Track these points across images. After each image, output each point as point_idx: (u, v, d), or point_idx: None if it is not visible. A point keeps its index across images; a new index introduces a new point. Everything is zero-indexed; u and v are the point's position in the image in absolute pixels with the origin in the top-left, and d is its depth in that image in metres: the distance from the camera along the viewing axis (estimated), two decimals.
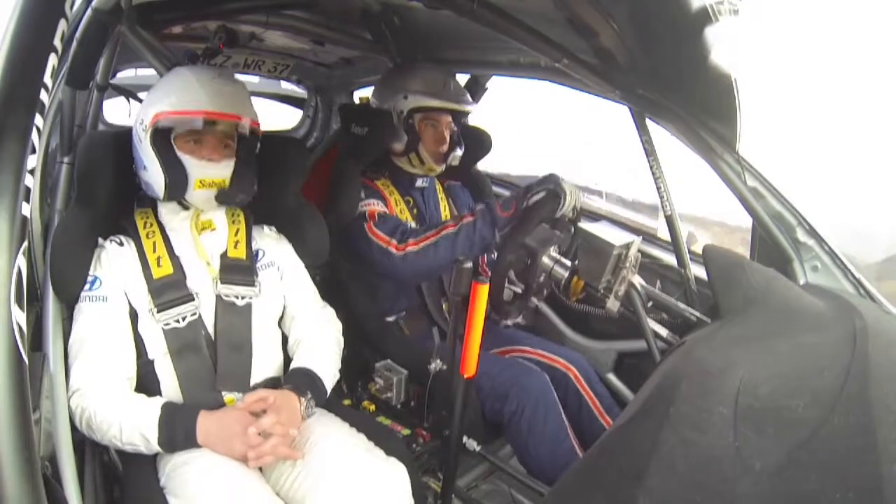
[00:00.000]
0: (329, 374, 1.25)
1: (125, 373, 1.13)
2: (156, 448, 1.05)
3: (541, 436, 1.44)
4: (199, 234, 1.23)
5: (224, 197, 1.21)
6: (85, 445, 1.09)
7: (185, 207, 1.22)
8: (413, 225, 1.70)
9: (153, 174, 1.16)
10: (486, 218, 1.44)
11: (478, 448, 1.42)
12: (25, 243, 0.53)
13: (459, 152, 1.75)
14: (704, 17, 0.98)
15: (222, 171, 1.20)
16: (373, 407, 1.59)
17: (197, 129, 1.16)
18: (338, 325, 1.38)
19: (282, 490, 1.08)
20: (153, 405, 1.07)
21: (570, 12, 1.10)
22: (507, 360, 1.59)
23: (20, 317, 0.51)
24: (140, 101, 1.50)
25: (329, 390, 1.25)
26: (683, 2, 0.96)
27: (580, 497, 0.74)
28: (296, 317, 1.32)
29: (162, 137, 1.16)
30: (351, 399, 1.66)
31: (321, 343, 1.30)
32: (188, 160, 1.17)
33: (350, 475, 1.05)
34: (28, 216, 0.54)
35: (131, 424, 1.04)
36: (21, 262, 0.52)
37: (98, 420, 1.04)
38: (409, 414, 1.56)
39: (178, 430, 1.05)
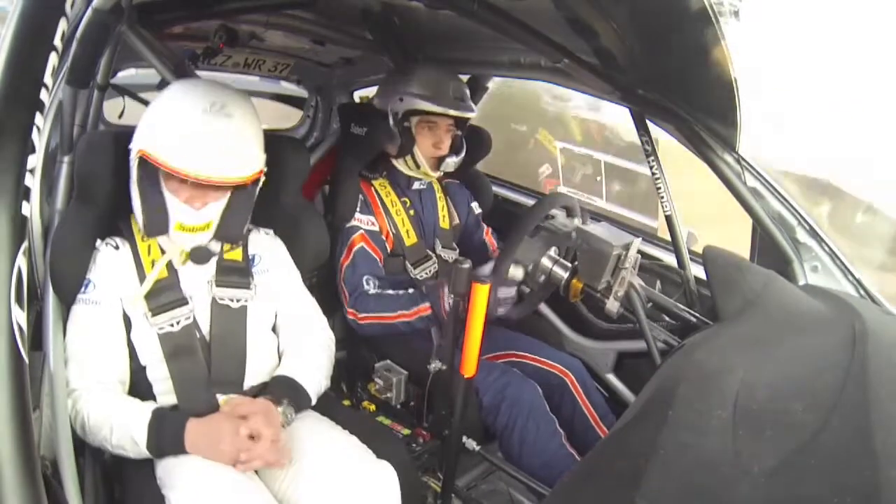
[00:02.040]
0: (313, 381, 1.23)
1: (118, 377, 1.12)
2: (144, 452, 1.04)
3: (533, 447, 1.44)
4: (184, 264, 1.19)
5: (197, 258, 1.16)
6: (85, 445, 1.09)
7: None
8: (407, 230, 1.70)
9: (136, 207, 1.13)
10: (423, 320, 1.50)
11: (477, 448, 1.42)
12: (25, 243, 0.53)
13: (455, 160, 1.73)
14: (704, 17, 0.98)
15: (205, 216, 1.12)
16: (373, 407, 1.60)
17: None
18: (329, 334, 1.36)
19: (274, 493, 1.08)
20: (144, 409, 1.06)
21: (570, 12, 1.10)
22: (501, 367, 1.58)
23: (20, 316, 0.51)
24: (140, 100, 1.50)
25: (314, 397, 1.23)
26: (683, 2, 0.96)
27: (578, 499, 0.74)
28: (286, 322, 1.31)
29: (148, 170, 1.10)
30: (351, 399, 1.67)
31: (308, 351, 1.28)
32: (171, 199, 1.10)
33: (338, 478, 1.05)
34: (28, 216, 0.54)
35: (121, 427, 1.04)
36: (21, 261, 0.52)
37: (91, 422, 1.04)
38: (409, 414, 1.56)
39: (166, 436, 1.04)
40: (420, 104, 1.64)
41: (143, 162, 1.09)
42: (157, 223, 1.12)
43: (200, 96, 1.10)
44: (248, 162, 1.12)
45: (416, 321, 1.52)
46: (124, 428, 1.04)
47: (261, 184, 1.19)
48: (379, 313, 1.55)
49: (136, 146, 1.10)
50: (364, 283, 1.59)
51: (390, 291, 1.59)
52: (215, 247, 1.22)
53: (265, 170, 1.17)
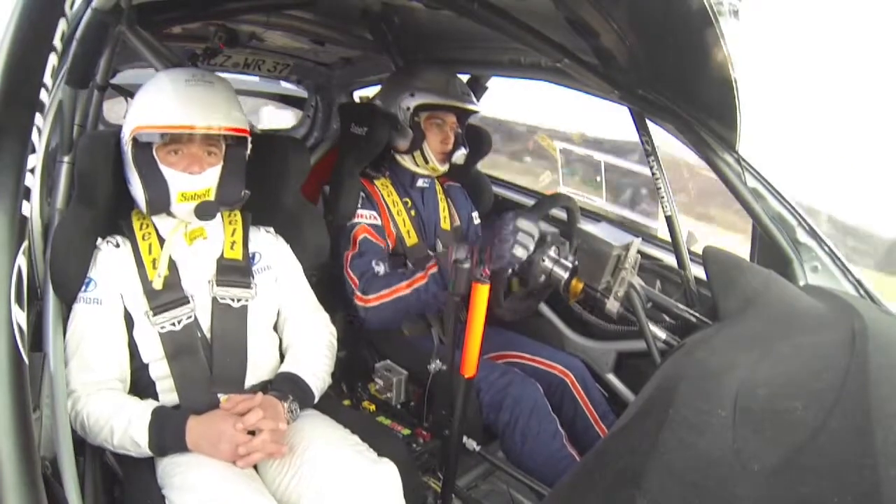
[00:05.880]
0: (317, 379, 1.25)
1: (119, 375, 1.13)
2: (146, 452, 1.05)
3: (534, 445, 1.44)
4: (191, 244, 1.22)
5: (202, 212, 1.17)
6: (85, 445, 1.09)
7: (175, 216, 1.20)
8: (408, 230, 1.70)
9: (135, 188, 1.15)
10: (437, 280, 1.45)
11: (477, 448, 1.42)
12: (25, 243, 0.53)
13: (463, 151, 1.75)
14: (704, 17, 0.98)
15: (204, 181, 1.16)
16: (373, 407, 1.60)
17: (175, 139, 1.14)
18: (332, 330, 1.38)
19: (275, 492, 1.08)
20: (144, 410, 1.07)
21: (570, 12, 1.10)
22: (502, 367, 1.59)
23: (20, 317, 0.51)
24: None
25: (317, 394, 1.24)
26: (683, 2, 0.96)
27: (578, 498, 0.74)
28: (289, 319, 1.32)
29: (143, 150, 1.14)
30: (351, 399, 1.67)
31: (311, 348, 1.30)
32: (169, 172, 1.14)
33: (340, 477, 1.05)
34: (28, 216, 0.54)
35: (122, 429, 1.04)
36: (21, 261, 0.52)
37: (91, 423, 1.05)
38: (409, 414, 1.56)
39: (167, 435, 1.05)
40: (432, 98, 1.67)
41: (137, 143, 1.13)
42: (160, 198, 1.15)
43: (182, 72, 1.18)
44: (235, 117, 1.17)
45: (425, 287, 1.47)
46: (125, 429, 1.04)
47: (249, 150, 1.23)
48: (389, 288, 1.51)
49: (128, 128, 1.14)
50: (374, 265, 1.57)
51: (399, 270, 1.57)
52: (218, 231, 1.25)
53: (250, 131, 1.21)
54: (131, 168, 1.15)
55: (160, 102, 1.12)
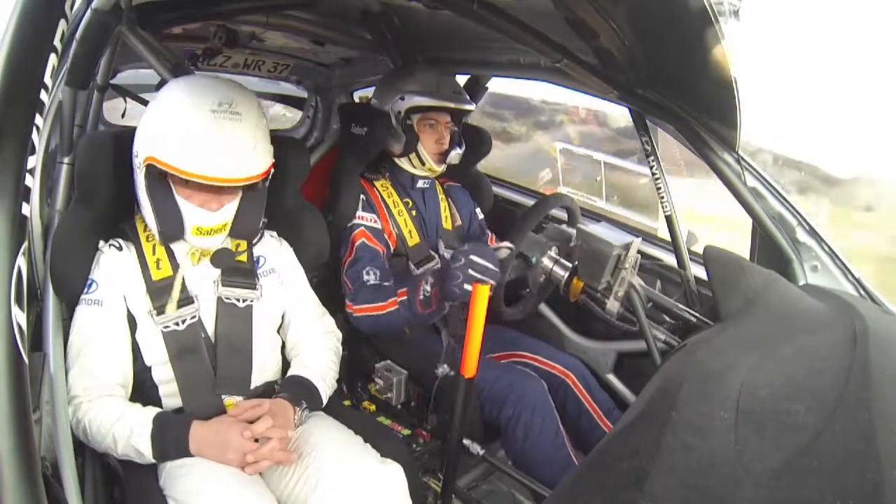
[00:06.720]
0: (326, 383, 1.25)
1: (121, 380, 1.12)
2: (150, 461, 1.04)
3: (536, 442, 1.44)
4: (198, 263, 1.20)
5: (217, 261, 1.17)
6: (86, 446, 1.09)
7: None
8: (409, 230, 1.70)
9: (146, 214, 1.12)
10: (406, 306, 1.45)
11: (481, 452, 1.41)
12: (25, 243, 0.53)
13: (459, 151, 1.75)
14: (704, 17, 0.98)
15: (222, 217, 1.12)
16: (373, 407, 1.60)
17: None
18: (337, 335, 1.37)
19: (280, 494, 1.08)
20: (145, 418, 1.05)
21: (569, 12, 1.10)
22: (506, 365, 1.59)
23: (20, 317, 0.51)
24: (140, 101, 1.50)
25: (325, 399, 1.24)
26: (683, 2, 0.96)
27: (581, 499, 0.74)
28: (294, 323, 1.31)
29: (157, 175, 1.08)
30: (351, 399, 1.67)
31: (318, 352, 1.29)
32: (185, 205, 1.09)
33: (346, 478, 1.04)
34: (28, 216, 0.54)
35: (125, 438, 1.03)
36: (21, 262, 0.52)
37: (93, 431, 1.04)
38: (409, 414, 1.56)
39: (169, 443, 1.04)
40: (422, 100, 1.66)
41: (150, 168, 1.07)
42: (173, 229, 1.11)
43: (206, 95, 1.07)
44: (261, 160, 1.12)
45: (398, 312, 1.46)
46: (127, 438, 1.03)
47: (270, 177, 1.17)
48: (371, 304, 1.51)
49: (142, 153, 1.07)
50: (364, 273, 1.56)
51: (387, 284, 1.56)
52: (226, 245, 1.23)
53: (274, 161, 1.17)
54: (142, 193, 1.10)
55: (182, 142, 1.03)
